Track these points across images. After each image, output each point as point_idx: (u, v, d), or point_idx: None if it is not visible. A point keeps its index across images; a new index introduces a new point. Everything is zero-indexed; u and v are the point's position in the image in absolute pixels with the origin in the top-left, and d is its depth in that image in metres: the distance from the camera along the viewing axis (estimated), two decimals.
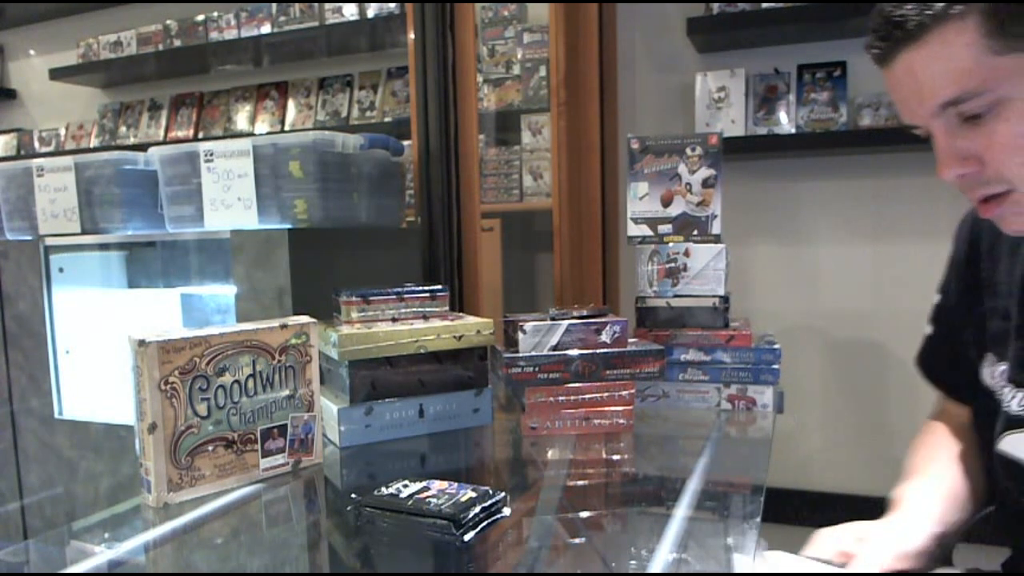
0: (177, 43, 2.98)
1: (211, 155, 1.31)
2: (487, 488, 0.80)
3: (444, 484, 0.81)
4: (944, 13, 0.64)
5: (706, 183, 1.30)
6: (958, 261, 0.91)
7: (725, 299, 1.29)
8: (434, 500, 0.77)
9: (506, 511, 0.79)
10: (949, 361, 0.94)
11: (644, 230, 1.32)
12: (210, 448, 0.87)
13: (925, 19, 0.65)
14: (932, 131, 0.71)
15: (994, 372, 0.82)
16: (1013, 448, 0.78)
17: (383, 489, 0.80)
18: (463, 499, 0.77)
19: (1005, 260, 0.82)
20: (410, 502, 0.77)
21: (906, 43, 0.67)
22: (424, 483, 0.82)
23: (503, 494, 0.79)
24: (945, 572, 0.95)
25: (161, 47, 3.01)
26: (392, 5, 2.55)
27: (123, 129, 3.27)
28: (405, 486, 0.81)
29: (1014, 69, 0.64)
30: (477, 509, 0.75)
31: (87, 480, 1.48)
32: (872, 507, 1.06)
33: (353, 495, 0.81)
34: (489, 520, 0.77)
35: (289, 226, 1.27)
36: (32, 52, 3.54)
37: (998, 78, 0.64)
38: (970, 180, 0.70)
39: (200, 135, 3.09)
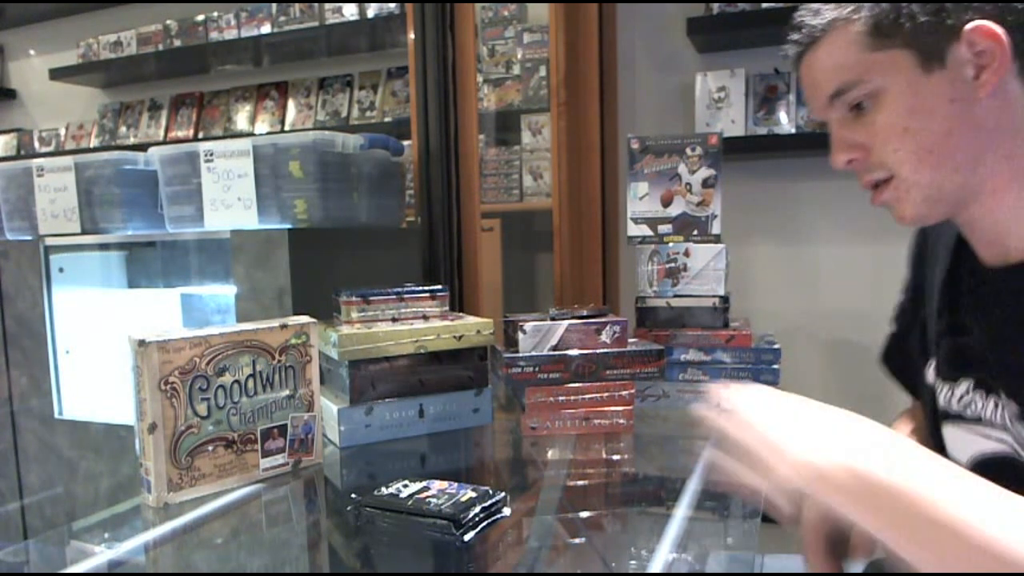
0: (177, 43, 2.98)
1: (211, 155, 1.31)
2: (487, 488, 0.80)
3: (444, 484, 0.81)
4: (830, 25, 0.75)
5: (706, 183, 1.30)
6: (910, 263, 0.98)
7: (725, 299, 1.29)
8: (434, 500, 0.77)
9: (506, 511, 0.79)
10: (906, 359, 0.96)
11: (644, 230, 1.32)
12: (210, 448, 0.87)
13: (821, 25, 0.75)
14: (829, 123, 0.79)
15: (929, 370, 0.86)
16: (947, 441, 0.82)
17: (383, 489, 0.80)
18: (463, 499, 0.77)
19: (938, 268, 0.87)
20: (410, 502, 0.77)
21: (807, 47, 0.78)
22: (424, 483, 0.82)
23: (503, 494, 0.79)
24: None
25: (161, 47, 3.01)
26: (392, 5, 2.55)
27: (123, 129, 3.27)
28: (405, 486, 0.81)
29: (888, 62, 0.72)
30: (477, 509, 0.76)
31: (87, 480, 1.48)
32: None
33: (353, 495, 0.81)
34: (489, 520, 0.77)
35: (289, 226, 1.27)
36: (32, 52, 3.54)
37: (873, 70, 0.73)
38: (858, 167, 0.78)
39: (200, 135, 3.09)
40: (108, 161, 1.43)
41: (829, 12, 0.75)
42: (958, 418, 0.80)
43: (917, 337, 0.92)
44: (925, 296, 0.90)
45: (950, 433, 0.81)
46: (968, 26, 0.69)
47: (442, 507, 0.75)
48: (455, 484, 0.81)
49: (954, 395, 0.80)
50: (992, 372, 0.76)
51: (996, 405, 0.75)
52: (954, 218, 0.79)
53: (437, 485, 0.81)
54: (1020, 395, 0.72)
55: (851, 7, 0.74)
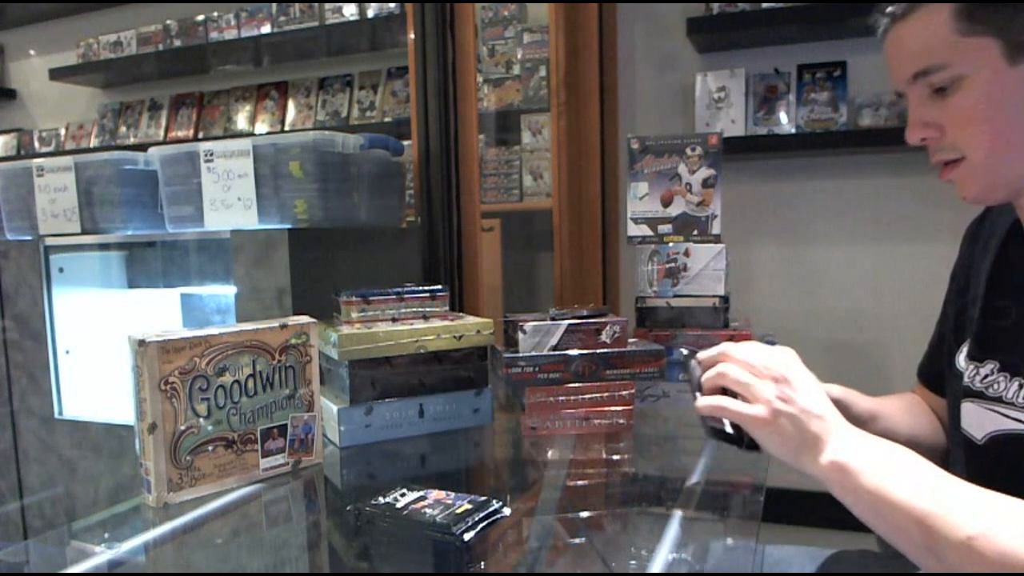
0: (177, 43, 2.98)
1: (211, 155, 1.31)
2: (485, 498, 0.80)
3: (442, 494, 0.81)
4: None
5: (706, 183, 1.30)
6: (963, 245, 0.98)
7: (725, 299, 1.29)
8: (430, 511, 0.76)
9: (506, 511, 0.79)
10: (938, 358, 0.98)
11: (644, 230, 1.32)
12: (210, 448, 0.87)
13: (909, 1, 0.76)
14: (908, 98, 0.81)
15: (961, 355, 0.89)
16: (964, 419, 0.84)
17: (380, 498, 0.80)
18: (459, 510, 0.76)
19: (989, 253, 0.89)
20: (406, 512, 0.77)
21: (898, 19, 0.77)
22: (422, 492, 0.81)
23: (501, 504, 0.79)
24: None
25: (161, 47, 3.01)
26: (392, 5, 2.55)
27: (123, 129, 3.27)
28: (403, 494, 0.81)
29: (974, 49, 0.73)
30: (472, 520, 0.75)
31: (87, 480, 1.48)
32: None
33: (349, 508, 0.81)
34: (488, 521, 0.77)
35: (289, 226, 1.27)
36: (32, 52, 3.54)
37: (960, 56, 0.74)
38: (932, 145, 0.80)
39: (200, 135, 3.09)
40: (108, 161, 1.43)
41: None
42: (979, 396, 0.82)
43: (951, 321, 0.94)
44: (972, 281, 0.91)
45: (969, 409, 0.83)
46: None
47: (437, 518, 0.74)
48: (452, 494, 0.81)
49: (979, 374, 0.83)
50: (1021, 354, 0.79)
51: (1020, 386, 0.79)
52: (1014, 201, 0.82)
53: (434, 495, 0.80)
54: None
55: None
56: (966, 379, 0.84)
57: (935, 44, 0.74)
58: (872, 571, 0.99)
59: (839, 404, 0.80)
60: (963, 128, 0.76)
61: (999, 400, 0.80)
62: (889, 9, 0.78)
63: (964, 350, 0.88)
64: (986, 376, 0.82)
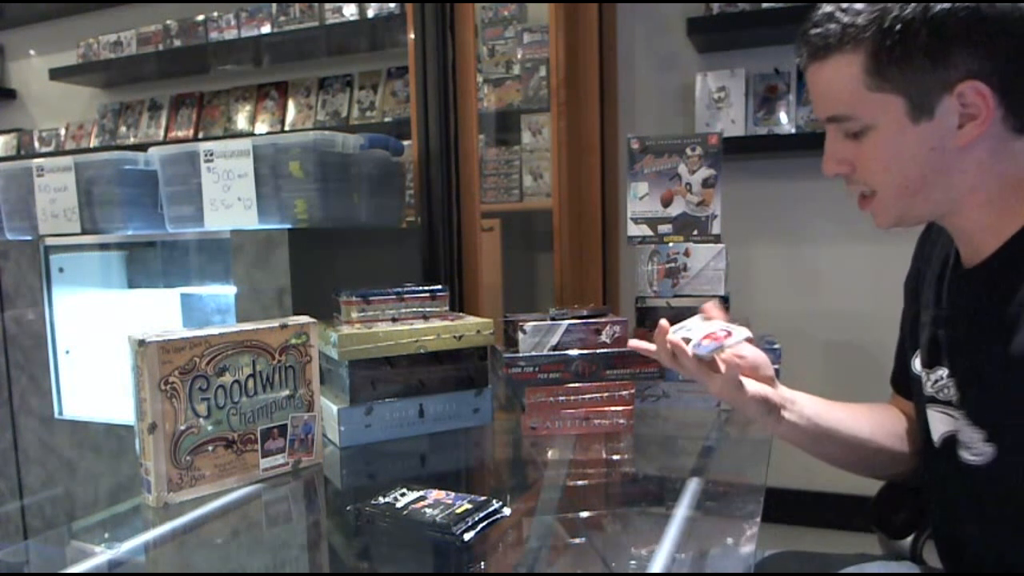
0: (177, 43, 2.98)
1: (211, 155, 1.31)
2: (485, 498, 0.80)
3: (442, 494, 0.81)
4: (838, 43, 0.78)
5: (706, 183, 1.30)
6: (910, 272, 1.03)
7: (725, 299, 1.29)
8: (430, 511, 0.76)
9: (506, 511, 0.79)
10: (903, 365, 1.01)
11: (644, 230, 1.32)
12: (210, 448, 0.87)
13: (826, 43, 0.79)
14: (827, 131, 0.85)
15: (916, 359, 0.93)
16: (929, 423, 0.89)
17: (380, 498, 0.80)
18: (459, 510, 0.76)
19: (936, 261, 0.94)
20: (406, 512, 0.77)
21: (813, 58, 0.82)
22: (422, 492, 0.81)
23: (501, 504, 0.79)
24: (915, 571, 0.96)
25: (161, 47, 3.01)
26: (392, 5, 2.55)
27: (123, 129, 3.27)
28: (403, 494, 0.81)
29: (881, 104, 0.78)
30: (472, 520, 0.75)
31: (87, 480, 1.48)
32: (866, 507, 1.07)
33: (349, 508, 0.81)
34: (488, 521, 0.77)
35: (289, 226, 1.27)
36: (32, 52, 3.54)
37: (867, 109, 0.79)
38: (846, 179, 0.86)
39: (200, 135, 3.09)
40: (108, 161, 1.43)
41: (843, 17, 0.78)
42: (933, 400, 0.87)
43: (907, 327, 0.99)
44: (921, 288, 0.96)
45: (931, 415, 0.88)
46: (961, 85, 0.74)
47: (437, 518, 0.74)
48: (452, 494, 0.81)
49: (931, 381, 0.88)
50: (964, 361, 0.83)
51: (963, 391, 0.83)
52: (940, 222, 0.88)
53: (434, 495, 0.81)
54: (968, 381, 0.82)
55: (862, 18, 0.76)
56: (926, 388, 0.88)
57: (845, 95, 0.79)
58: (873, 572, 0.99)
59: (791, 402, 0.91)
60: (872, 171, 0.82)
61: (948, 404, 0.85)
62: (810, 40, 0.81)
63: (918, 355, 0.92)
64: (936, 382, 0.87)
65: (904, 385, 1.00)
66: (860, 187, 0.86)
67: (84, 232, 1.47)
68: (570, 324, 1.12)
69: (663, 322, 0.90)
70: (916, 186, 0.80)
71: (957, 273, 0.87)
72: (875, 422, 0.99)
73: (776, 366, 1.23)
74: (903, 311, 1.02)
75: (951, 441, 0.84)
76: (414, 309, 1.17)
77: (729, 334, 0.87)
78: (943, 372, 0.86)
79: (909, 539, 1.00)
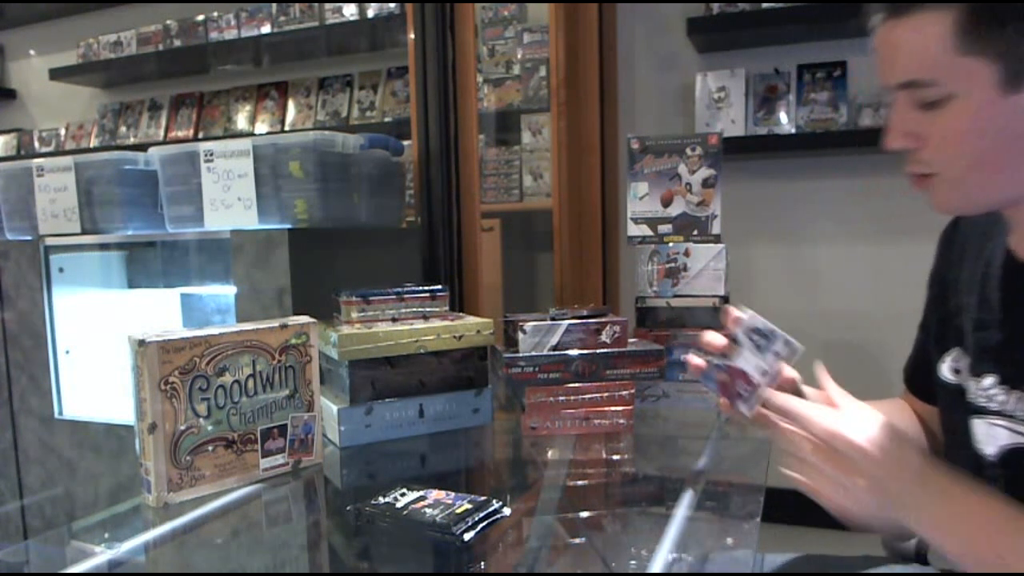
0: (177, 43, 2.98)
1: (211, 155, 1.31)
2: (485, 498, 0.80)
3: (442, 494, 0.81)
4: None
5: (706, 183, 1.30)
6: (934, 274, 0.96)
7: (725, 299, 1.29)
8: (430, 511, 0.76)
9: (506, 511, 0.79)
10: (921, 365, 0.97)
11: (644, 230, 1.32)
12: (210, 448, 0.87)
13: None
14: (893, 100, 0.76)
15: (958, 367, 0.86)
16: (975, 434, 0.82)
17: (380, 498, 0.80)
18: (459, 510, 0.76)
19: (970, 260, 0.86)
20: (406, 512, 0.77)
21: (891, 13, 0.72)
22: (422, 492, 0.81)
23: (500, 504, 0.79)
24: (920, 572, 0.96)
25: (161, 47, 3.01)
26: (392, 5, 2.55)
27: (123, 129, 3.27)
28: (403, 494, 0.81)
29: (969, 71, 0.68)
30: (472, 521, 0.75)
31: (87, 480, 1.48)
32: None
33: (349, 508, 0.81)
34: (488, 521, 0.77)
35: (289, 226, 1.27)
36: (32, 52, 3.54)
37: (952, 75, 0.69)
38: (910, 154, 0.77)
39: (200, 135, 3.09)
40: (108, 161, 1.43)
41: None
42: (983, 411, 0.80)
43: (933, 330, 0.91)
44: (951, 288, 0.89)
45: (978, 426, 0.81)
46: None
47: (437, 518, 0.74)
48: (452, 494, 0.81)
49: (980, 389, 0.80)
50: (1017, 368, 0.77)
51: (1020, 400, 0.76)
52: (1000, 211, 0.79)
53: (434, 495, 0.81)
54: None
55: None
56: (974, 397, 0.81)
57: (928, 57, 0.69)
58: (874, 572, 0.99)
59: None
60: (944, 147, 0.73)
61: (1002, 415, 0.78)
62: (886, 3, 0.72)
63: (947, 361, 0.86)
64: (987, 390, 0.80)
65: (923, 388, 0.95)
66: (922, 166, 0.75)
67: (84, 232, 1.47)
68: (570, 324, 1.12)
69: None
70: (991, 167, 0.71)
71: (1009, 269, 0.79)
72: (900, 425, 0.92)
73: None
74: (925, 312, 0.96)
75: (1018, 454, 0.77)
76: (414, 309, 1.17)
77: (748, 380, 0.79)
78: (993, 379, 0.78)
79: (913, 541, 1.00)
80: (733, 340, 0.81)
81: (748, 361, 0.80)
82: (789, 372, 0.82)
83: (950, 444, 0.89)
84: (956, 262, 0.89)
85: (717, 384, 0.82)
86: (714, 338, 0.84)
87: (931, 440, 0.96)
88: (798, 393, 0.81)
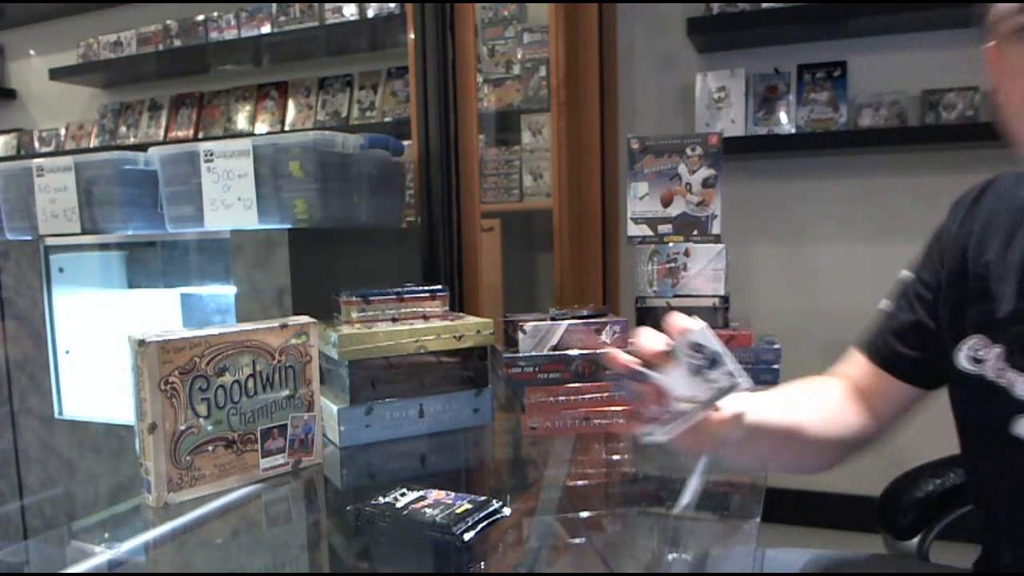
0: (177, 43, 2.98)
1: (211, 155, 1.31)
2: (485, 498, 0.80)
3: (442, 494, 0.81)
4: None
5: (706, 183, 1.30)
6: (945, 238, 0.88)
7: (725, 299, 1.29)
8: (430, 511, 0.76)
9: (506, 511, 0.79)
10: (901, 336, 0.89)
11: (644, 230, 1.32)
12: (210, 448, 0.87)
13: None
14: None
15: (987, 355, 0.80)
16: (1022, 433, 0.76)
17: (380, 498, 0.80)
18: (459, 510, 0.76)
19: (997, 244, 0.81)
20: (406, 512, 0.77)
21: None
22: (422, 492, 0.81)
23: (500, 504, 0.79)
24: (924, 573, 0.96)
25: (161, 47, 3.01)
26: (392, 5, 2.55)
27: (123, 129, 3.27)
28: (403, 494, 0.81)
29: None
30: (472, 521, 0.75)
31: (87, 480, 1.48)
32: (871, 507, 1.07)
33: (349, 508, 0.81)
34: (488, 521, 0.77)
35: (289, 226, 1.27)
36: (32, 52, 3.54)
37: None
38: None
39: (200, 135, 3.09)
40: (108, 161, 1.43)
41: None
42: None
43: (947, 318, 0.85)
44: (971, 269, 0.82)
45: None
46: None
47: (437, 518, 0.74)
48: (452, 494, 0.81)
49: None
50: None
51: None
52: None
53: (434, 495, 0.81)
54: None
55: None
56: (1017, 391, 0.75)
57: None
58: (875, 572, 0.99)
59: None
60: None
61: None
62: None
63: (994, 350, 0.79)
64: None
65: (890, 358, 0.88)
66: None
67: (84, 232, 1.47)
68: (570, 324, 1.12)
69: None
70: None
71: None
72: (819, 406, 0.86)
73: (776, 366, 1.23)
74: (918, 283, 0.89)
75: None
76: (414, 309, 1.17)
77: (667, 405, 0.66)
78: None
79: (915, 539, 0.99)
80: (669, 353, 0.67)
81: (677, 382, 0.66)
82: (728, 410, 0.70)
83: (975, 434, 0.84)
84: (979, 242, 0.82)
85: (632, 394, 0.68)
86: (648, 341, 0.68)
87: (866, 420, 0.88)
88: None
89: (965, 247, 0.84)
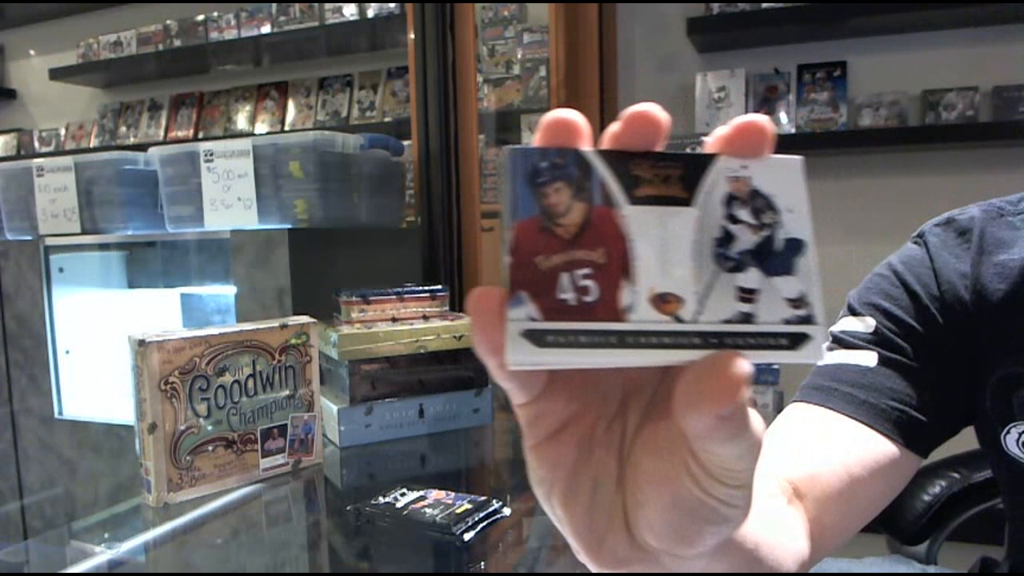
0: (177, 43, 2.98)
1: (211, 155, 1.31)
2: (485, 498, 0.80)
3: (442, 494, 0.81)
4: None
5: None
6: (924, 271, 0.72)
7: None
8: (430, 510, 0.76)
9: (506, 511, 0.79)
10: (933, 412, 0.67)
11: None
12: (210, 448, 0.87)
13: None
14: None
15: (1013, 436, 0.65)
16: None
17: (380, 498, 0.80)
18: (459, 510, 0.76)
19: (1002, 288, 0.65)
20: (406, 512, 0.77)
21: None
22: (422, 492, 0.81)
23: (500, 504, 0.79)
24: (926, 573, 0.95)
25: (161, 47, 3.01)
26: (392, 5, 2.55)
27: (123, 129, 3.27)
28: (403, 494, 0.81)
29: None
30: (472, 520, 0.75)
31: (87, 480, 1.48)
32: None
33: (349, 508, 0.81)
34: (488, 521, 0.77)
35: (289, 226, 1.27)
36: (32, 52, 3.54)
37: None
38: None
39: (200, 135, 3.09)
40: (108, 161, 1.43)
41: None
42: None
43: (990, 404, 0.67)
44: (994, 335, 0.66)
45: None
46: None
47: (437, 518, 0.74)
48: (452, 494, 0.81)
49: None
50: None
51: None
52: None
53: (434, 495, 0.81)
54: None
55: None
56: None
57: None
58: (875, 572, 0.98)
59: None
60: None
61: None
62: None
63: (1014, 432, 0.65)
64: None
65: (917, 437, 0.65)
66: None
67: (84, 232, 1.47)
68: None
69: None
70: None
71: None
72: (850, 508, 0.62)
73: (776, 366, 1.23)
74: (940, 347, 0.67)
75: None
76: (414, 309, 1.17)
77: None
78: None
79: (924, 545, 0.98)
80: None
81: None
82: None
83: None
84: (990, 298, 0.66)
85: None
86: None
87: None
88: None
89: (975, 309, 0.68)
